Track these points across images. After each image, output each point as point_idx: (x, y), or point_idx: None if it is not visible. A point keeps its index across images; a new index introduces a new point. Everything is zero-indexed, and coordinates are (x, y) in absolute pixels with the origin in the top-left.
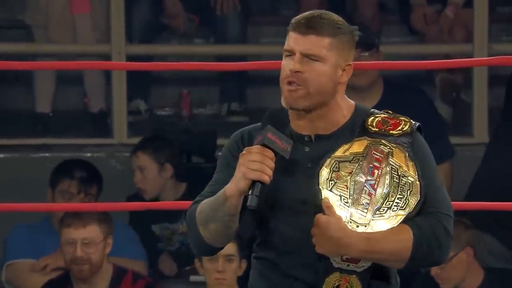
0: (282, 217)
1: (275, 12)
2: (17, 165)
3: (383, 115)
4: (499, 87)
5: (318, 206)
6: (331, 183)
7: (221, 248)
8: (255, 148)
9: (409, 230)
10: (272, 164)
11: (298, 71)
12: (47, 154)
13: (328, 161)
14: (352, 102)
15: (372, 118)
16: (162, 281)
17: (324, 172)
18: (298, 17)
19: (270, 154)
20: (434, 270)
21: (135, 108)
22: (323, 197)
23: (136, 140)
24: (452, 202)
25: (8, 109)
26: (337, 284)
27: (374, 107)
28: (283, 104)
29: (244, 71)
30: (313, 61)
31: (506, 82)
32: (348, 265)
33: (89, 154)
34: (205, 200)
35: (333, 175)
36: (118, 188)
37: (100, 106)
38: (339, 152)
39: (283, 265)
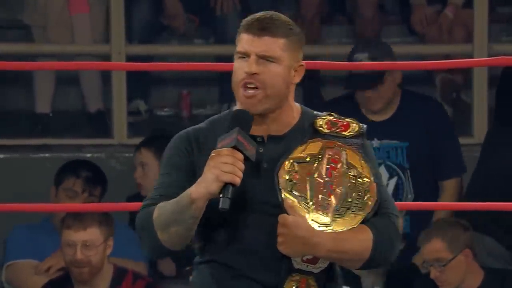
0: (240, 218)
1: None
2: (17, 166)
3: (329, 117)
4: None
5: (278, 206)
6: (291, 184)
7: (178, 251)
8: (226, 150)
9: (368, 231)
10: (243, 166)
11: (255, 73)
12: (47, 155)
13: (286, 162)
14: (298, 104)
15: (320, 120)
16: (162, 282)
17: (283, 173)
18: (249, 18)
19: (240, 156)
20: (434, 273)
21: (135, 109)
22: (284, 198)
23: (136, 140)
24: (451, 203)
25: (8, 109)
26: (296, 285)
27: (390, 118)
28: (241, 108)
29: None
30: (269, 63)
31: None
32: (307, 266)
33: (89, 155)
34: (163, 204)
35: (292, 176)
36: (118, 188)
37: (97, 106)
38: (296, 153)
39: (238, 267)
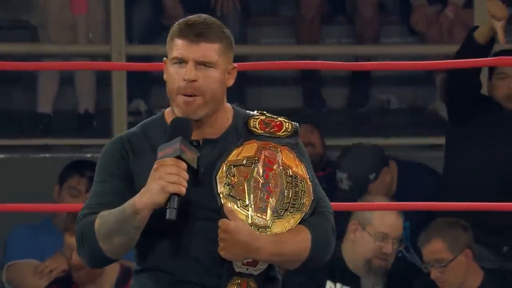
0: (179, 225)
1: (275, 12)
2: (18, 166)
3: (261, 117)
4: None
5: (217, 211)
6: (229, 188)
7: (118, 260)
8: (169, 160)
9: (306, 231)
10: (187, 176)
11: (194, 80)
12: (47, 155)
13: (223, 166)
14: (229, 104)
15: (253, 120)
16: None
17: (221, 177)
18: (182, 23)
19: (184, 166)
20: (434, 273)
21: (135, 109)
22: (223, 203)
23: None
24: (451, 203)
25: (9, 109)
26: None
27: (392, 198)
28: (179, 114)
29: (243, 71)
30: (207, 68)
31: None
32: (247, 269)
33: (89, 155)
34: (105, 213)
35: (230, 180)
36: None
37: (89, 106)
38: (232, 157)
39: (179, 273)
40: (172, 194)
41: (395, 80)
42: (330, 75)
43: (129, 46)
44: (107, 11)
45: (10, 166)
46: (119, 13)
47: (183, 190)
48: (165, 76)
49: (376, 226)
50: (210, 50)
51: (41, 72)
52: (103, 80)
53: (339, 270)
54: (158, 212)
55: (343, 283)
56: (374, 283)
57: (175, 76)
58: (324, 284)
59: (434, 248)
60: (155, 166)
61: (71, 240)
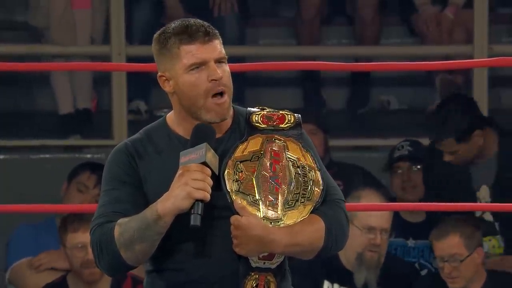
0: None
1: (273, 13)
2: (17, 167)
3: (263, 112)
4: (498, 88)
5: (228, 208)
6: (237, 184)
7: (137, 267)
8: (195, 166)
9: (319, 220)
10: (212, 182)
11: (222, 77)
12: (47, 156)
13: (229, 162)
14: None
15: (255, 115)
16: None
17: (229, 174)
18: (179, 30)
19: (209, 172)
20: (448, 269)
21: (135, 109)
22: (233, 199)
23: None
24: (452, 203)
25: (8, 110)
26: (255, 283)
27: (425, 220)
28: (212, 119)
29: (242, 72)
30: (222, 64)
31: (506, 83)
32: (264, 263)
33: (89, 155)
34: (124, 221)
35: (237, 176)
36: None
37: (89, 106)
38: (238, 153)
39: (195, 273)
40: (197, 200)
41: (395, 81)
42: (330, 76)
43: (129, 47)
44: (107, 11)
45: (9, 167)
46: (119, 13)
47: (208, 196)
48: (177, 87)
49: (361, 219)
50: (220, 46)
51: (41, 73)
52: (103, 80)
53: (337, 270)
54: (177, 218)
55: (341, 284)
56: (366, 277)
57: (197, 81)
58: (322, 284)
59: (452, 242)
60: (180, 171)
61: (78, 238)
